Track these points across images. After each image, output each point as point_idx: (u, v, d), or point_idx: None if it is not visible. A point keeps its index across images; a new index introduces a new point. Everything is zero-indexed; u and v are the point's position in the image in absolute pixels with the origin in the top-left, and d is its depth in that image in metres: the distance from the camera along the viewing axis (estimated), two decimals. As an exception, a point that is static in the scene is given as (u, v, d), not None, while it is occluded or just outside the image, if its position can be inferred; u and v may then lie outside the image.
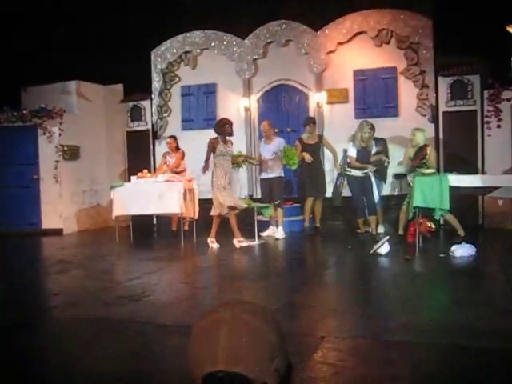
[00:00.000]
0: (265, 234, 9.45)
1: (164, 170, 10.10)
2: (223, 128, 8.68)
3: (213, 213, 8.42)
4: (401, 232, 8.40)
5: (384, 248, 7.27)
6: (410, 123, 9.43)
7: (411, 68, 10.39)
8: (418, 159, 8.10)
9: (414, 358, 3.67)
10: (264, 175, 9.61)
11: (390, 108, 10.46)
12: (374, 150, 8.92)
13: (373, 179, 8.76)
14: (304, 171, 9.58)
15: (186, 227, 9.80)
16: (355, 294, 5.58)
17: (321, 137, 9.84)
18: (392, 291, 5.75)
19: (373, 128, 8.65)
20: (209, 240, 8.47)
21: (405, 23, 10.33)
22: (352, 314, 4.81)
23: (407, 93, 10.43)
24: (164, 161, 10.26)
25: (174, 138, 10.36)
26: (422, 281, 6.18)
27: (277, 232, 9.35)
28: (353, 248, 8.13)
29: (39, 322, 4.83)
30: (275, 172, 9.45)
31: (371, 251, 7.27)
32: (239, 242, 8.37)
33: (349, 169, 8.84)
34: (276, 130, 10.18)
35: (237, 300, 1.22)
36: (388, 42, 10.55)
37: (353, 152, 8.76)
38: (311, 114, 10.90)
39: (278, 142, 9.52)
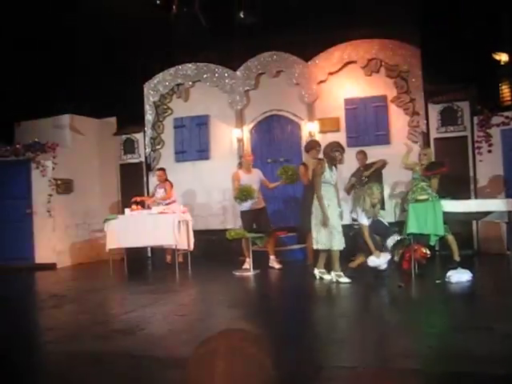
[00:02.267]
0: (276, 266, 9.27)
1: (153, 200, 10.17)
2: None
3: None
4: (396, 259, 8.36)
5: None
6: (401, 151, 9.43)
7: (401, 96, 10.52)
8: (433, 172, 8.04)
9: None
10: (248, 206, 9.08)
11: (381, 136, 10.55)
12: None
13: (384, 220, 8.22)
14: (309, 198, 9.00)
15: (181, 259, 9.75)
16: (352, 323, 5.54)
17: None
18: (389, 318, 5.72)
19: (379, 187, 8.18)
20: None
21: (393, 52, 10.50)
22: (349, 343, 4.77)
23: (398, 120, 10.53)
24: (153, 192, 10.34)
25: (163, 170, 10.49)
26: (419, 307, 6.14)
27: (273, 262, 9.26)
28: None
29: (33, 358, 4.75)
30: (262, 203, 9.29)
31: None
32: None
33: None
34: (269, 161, 10.21)
35: (232, 329, 1.20)
36: (378, 71, 10.70)
37: (365, 221, 7.88)
38: (303, 144, 10.96)
39: (257, 172, 9.33)
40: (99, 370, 4.32)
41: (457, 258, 7.82)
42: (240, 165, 9.68)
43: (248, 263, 8.98)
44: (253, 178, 9.11)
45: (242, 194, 8.65)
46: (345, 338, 4.97)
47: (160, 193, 10.25)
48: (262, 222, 9.16)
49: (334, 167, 7.73)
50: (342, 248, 7.52)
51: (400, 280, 7.29)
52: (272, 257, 9.30)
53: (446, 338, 4.74)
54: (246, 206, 9.04)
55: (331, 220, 7.45)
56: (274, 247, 9.40)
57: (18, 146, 11.12)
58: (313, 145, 8.61)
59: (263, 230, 9.08)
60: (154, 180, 11.97)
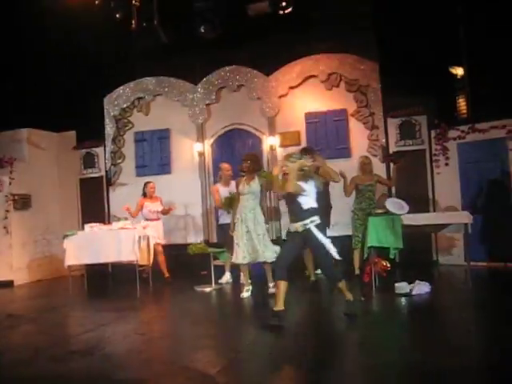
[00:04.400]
0: (223, 280, 9.32)
1: (154, 212, 9.92)
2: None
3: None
4: (357, 272, 8.45)
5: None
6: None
7: (361, 110, 10.66)
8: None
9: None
10: (224, 220, 9.15)
11: (342, 149, 10.66)
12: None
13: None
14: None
15: (146, 274, 9.60)
16: (309, 338, 5.53)
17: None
18: (348, 333, 5.74)
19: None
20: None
21: (353, 67, 10.64)
22: (304, 360, 4.76)
23: (358, 134, 10.67)
24: (141, 205, 9.96)
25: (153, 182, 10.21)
26: (377, 321, 6.18)
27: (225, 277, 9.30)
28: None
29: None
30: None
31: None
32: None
33: None
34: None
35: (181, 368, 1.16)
36: (338, 86, 10.83)
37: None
38: (264, 157, 11.01)
39: (233, 185, 9.09)
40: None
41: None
42: (220, 178, 9.56)
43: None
44: (231, 191, 9.03)
45: (232, 202, 8.57)
46: (297, 355, 4.96)
47: (157, 205, 9.96)
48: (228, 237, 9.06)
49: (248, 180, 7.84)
50: (237, 262, 7.83)
51: (361, 293, 7.34)
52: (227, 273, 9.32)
53: (402, 353, 4.78)
54: (223, 219, 9.22)
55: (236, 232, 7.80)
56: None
57: (-25, 160, 10.87)
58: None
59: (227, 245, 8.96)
60: (114, 194, 11.86)
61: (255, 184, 7.83)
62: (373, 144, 10.55)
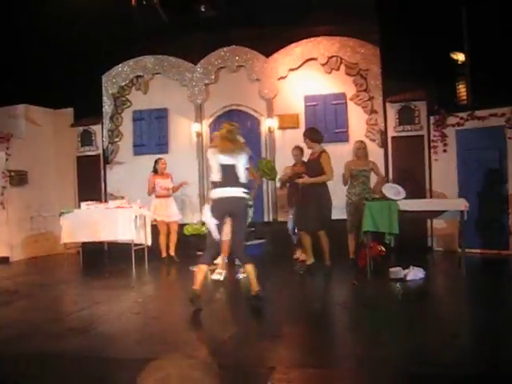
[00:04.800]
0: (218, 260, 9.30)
1: (166, 188, 9.84)
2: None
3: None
4: (351, 256, 8.47)
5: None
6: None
7: (360, 94, 10.62)
8: None
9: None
10: None
11: (340, 133, 10.64)
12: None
13: None
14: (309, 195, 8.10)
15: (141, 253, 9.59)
16: (303, 322, 5.57)
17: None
18: (341, 317, 5.78)
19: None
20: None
21: (353, 50, 10.58)
22: (301, 343, 4.81)
23: (357, 118, 10.63)
24: (153, 181, 9.83)
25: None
26: (371, 306, 6.22)
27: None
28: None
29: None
30: None
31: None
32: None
33: None
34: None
35: (182, 355, 1.16)
36: (338, 69, 10.77)
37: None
38: (263, 140, 10.99)
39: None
40: (49, 372, 4.24)
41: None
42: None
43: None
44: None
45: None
46: (294, 338, 5.00)
47: (168, 182, 9.88)
48: None
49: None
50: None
51: (355, 278, 7.38)
52: None
53: (396, 338, 4.82)
54: None
55: None
56: None
57: (-31, 136, 10.82)
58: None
59: None
60: (111, 173, 11.84)
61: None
62: (371, 128, 10.52)
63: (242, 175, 5.96)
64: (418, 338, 4.65)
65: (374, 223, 7.54)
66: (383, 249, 8.01)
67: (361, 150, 8.51)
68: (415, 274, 7.26)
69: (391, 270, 7.38)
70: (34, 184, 11.50)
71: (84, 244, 9.86)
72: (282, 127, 10.97)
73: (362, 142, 8.82)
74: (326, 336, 5.04)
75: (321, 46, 10.77)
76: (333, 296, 7.08)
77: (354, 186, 8.46)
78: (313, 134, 8.09)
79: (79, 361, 4.44)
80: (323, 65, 10.78)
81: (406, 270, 7.31)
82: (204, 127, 11.45)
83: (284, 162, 9.81)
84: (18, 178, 11.11)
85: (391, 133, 10.49)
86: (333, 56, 10.72)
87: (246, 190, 6.01)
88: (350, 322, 5.55)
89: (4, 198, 10.84)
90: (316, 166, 7.85)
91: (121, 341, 5.00)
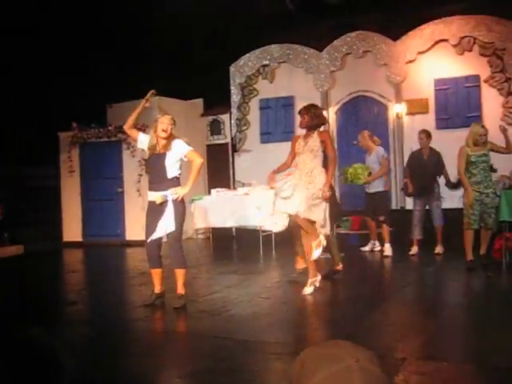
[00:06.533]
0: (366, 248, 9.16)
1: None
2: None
3: None
4: (483, 251, 7.37)
5: None
6: (494, 133, 8.98)
7: (496, 75, 10.05)
8: None
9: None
10: (366, 189, 8.87)
11: (473, 118, 10.09)
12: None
13: None
14: None
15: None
16: (439, 314, 5.42)
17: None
18: (481, 311, 5.52)
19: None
20: None
21: (488, 29, 10.01)
22: (436, 335, 4.68)
23: (491, 101, 10.08)
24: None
25: None
26: (508, 300, 5.91)
27: (386, 249, 8.65)
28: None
29: (124, 334, 4.99)
30: (379, 186, 8.75)
31: None
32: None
33: None
34: (355, 142, 10.03)
35: (351, 344, 1.16)
36: (470, 50, 10.25)
37: None
38: (390, 126, 10.76)
39: (376, 152, 8.83)
40: (184, 349, 4.49)
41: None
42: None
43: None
44: (372, 160, 8.89)
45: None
46: (428, 329, 4.88)
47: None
48: (378, 208, 8.78)
49: None
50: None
51: (489, 270, 7.03)
52: (387, 245, 8.68)
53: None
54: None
55: None
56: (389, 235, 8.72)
57: (110, 127, 11.56)
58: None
59: (378, 215, 8.73)
60: (239, 160, 12.15)
61: (314, 141, 6.58)
62: (508, 112, 9.92)
63: None
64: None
65: (510, 212, 7.11)
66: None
67: (482, 137, 7.19)
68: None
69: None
70: (167, 172, 12.05)
71: (214, 230, 10.23)
72: (410, 113, 10.65)
73: (483, 126, 7.49)
74: (464, 329, 4.88)
75: (452, 27, 10.29)
76: (470, 288, 6.80)
77: (474, 174, 7.16)
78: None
79: (211, 340, 4.64)
80: (455, 46, 10.30)
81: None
82: (331, 114, 11.39)
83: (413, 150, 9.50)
84: (153, 167, 11.71)
85: (530, 116, 9.82)
86: (465, 36, 10.21)
87: None
88: (491, 316, 5.28)
89: (140, 184, 11.48)
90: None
91: (251, 324, 5.17)
